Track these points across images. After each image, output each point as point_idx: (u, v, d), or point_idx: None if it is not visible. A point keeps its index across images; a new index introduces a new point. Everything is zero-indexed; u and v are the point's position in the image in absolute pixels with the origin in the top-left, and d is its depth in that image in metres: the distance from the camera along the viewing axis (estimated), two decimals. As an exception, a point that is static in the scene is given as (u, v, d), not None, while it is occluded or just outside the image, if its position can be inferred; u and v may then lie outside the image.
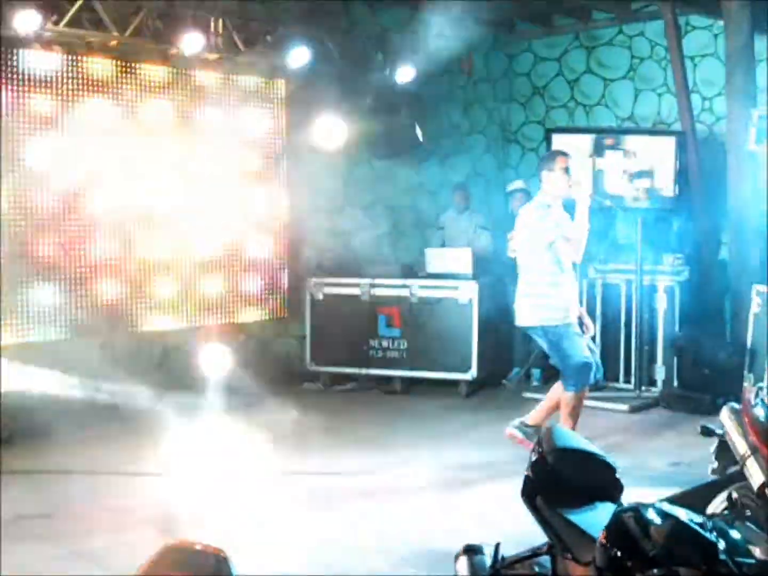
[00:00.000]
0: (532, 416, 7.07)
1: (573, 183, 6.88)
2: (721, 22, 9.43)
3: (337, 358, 9.56)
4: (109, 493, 6.21)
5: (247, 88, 9.28)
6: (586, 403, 8.96)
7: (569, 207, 6.98)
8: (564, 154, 7.07)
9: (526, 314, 7.05)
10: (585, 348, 6.97)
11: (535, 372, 9.83)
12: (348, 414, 8.53)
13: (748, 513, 3.79)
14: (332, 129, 9.25)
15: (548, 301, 6.88)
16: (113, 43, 8.17)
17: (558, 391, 7.09)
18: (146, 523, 5.55)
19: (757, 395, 4.63)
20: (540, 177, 7.02)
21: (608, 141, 9.45)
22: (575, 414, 6.98)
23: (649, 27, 10.95)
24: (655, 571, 2.77)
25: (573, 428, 6.89)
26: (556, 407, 7.06)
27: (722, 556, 2.79)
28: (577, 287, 7.05)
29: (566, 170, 6.86)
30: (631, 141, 9.45)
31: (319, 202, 9.88)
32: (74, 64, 8.02)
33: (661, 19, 9.82)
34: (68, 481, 6.41)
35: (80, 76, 8.07)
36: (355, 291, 9.52)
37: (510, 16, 11.56)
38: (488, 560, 3.65)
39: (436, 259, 9.57)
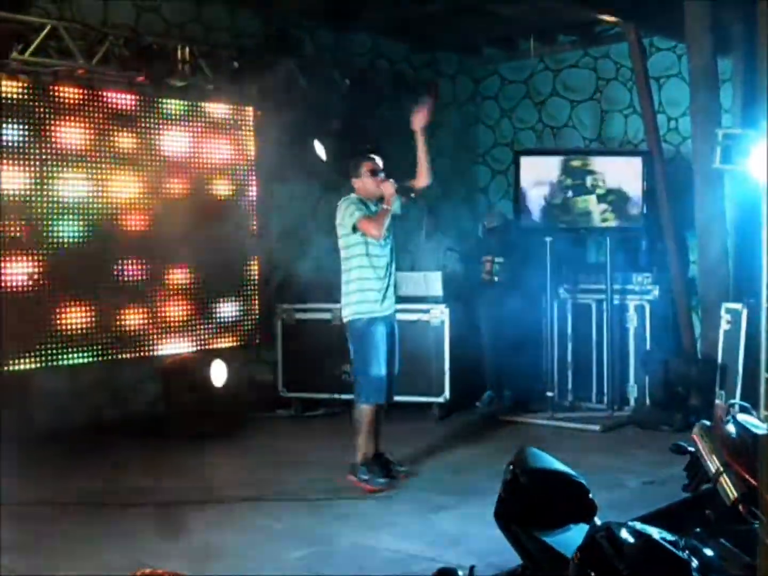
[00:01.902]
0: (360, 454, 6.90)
1: (379, 182, 6.88)
2: (684, 44, 9.52)
3: (309, 383, 9.52)
4: (76, 523, 6.13)
5: (214, 114, 9.28)
6: (560, 423, 9.04)
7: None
8: (368, 158, 7.05)
9: (342, 311, 7.01)
10: (383, 360, 6.82)
11: (508, 394, 9.84)
12: (320, 439, 8.49)
13: (721, 530, 3.79)
14: (300, 154, 9.26)
15: (356, 296, 6.88)
16: (80, 71, 8.16)
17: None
18: (114, 553, 5.50)
19: (728, 412, 4.65)
20: (352, 185, 7.06)
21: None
22: (371, 431, 6.85)
23: (613, 49, 11.05)
24: (629, 590, 2.77)
25: (375, 447, 6.86)
26: (372, 430, 6.92)
27: (695, 575, 2.79)
28: (391, 285, 7.04)
29: (372, 173, 6.92)
30: (598, 162, 9.53)
31: (289, 228, 9.88)
32: (41, 92, 8.00)
33: (625, 41, 9.89)
34: (33, 512, 6.32)
35: (47, 104, 8.06)
36: (326, 316, 9.48)
37: (476, 40, 11.64)
38: (463, 583, 3.63)
39: (407, 282, 9.54)
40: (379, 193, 6.92)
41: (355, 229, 6.82)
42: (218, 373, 8.62)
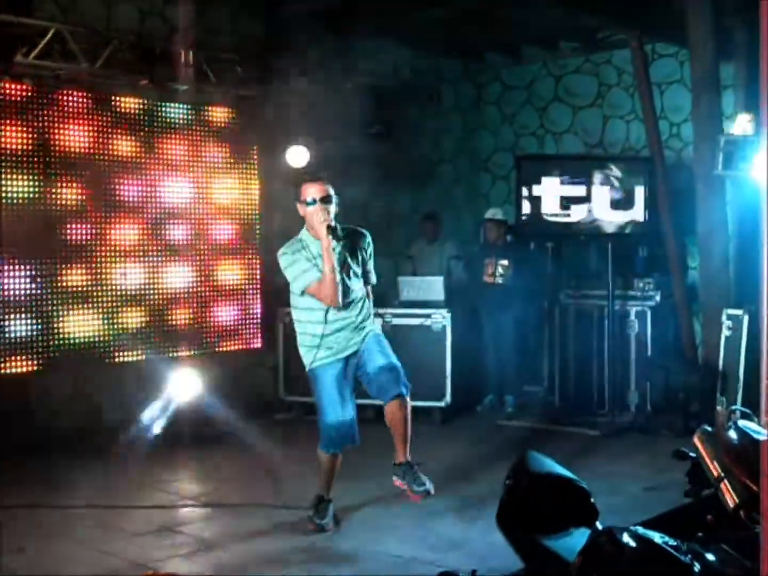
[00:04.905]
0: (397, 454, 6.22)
1: (318, 211, 5.80)
2: (686, 50, 9.54)
3: (311, 387, 9.49)
4: (82, 525, 6.14)
5: (217, 118, 9.28)
6: (561, 428, 9.03)
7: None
8: (308, 181, 5.91)
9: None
10: (338, 403, 6.03)
11: (509, 399, 9.85)
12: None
13: (723, 536, 3.80)
14: (303, 157, 9.27)
15: (304, 339, 6.16)
16: (83, 74, 8.17)
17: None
18: (118, 556, 5.51)
19: (729, 418, 4.65)
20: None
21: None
22: (327, 475, 6.22)
23: (616, 55, 11.08)
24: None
25: (325, 486, 6.23)
26: (403, 431, 6.16)
27: (697, 579, 2.80)
28: (349, 325, 6.04)
29: (308, 201, 5.87)
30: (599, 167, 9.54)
31: (292, 231, 9.86)
32: (44, 95, 8.00)
33: (627, 47, 9.92)
34: (39, 514, 6.33)
35: (51, 107, 8.06)
36: (328, 320, 9.47)
37: (478, 46, 11.66)
38: (464, 587, 3.64)
39: (409, 287, 9.58)
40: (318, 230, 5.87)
41: (303, 293, 5.94)
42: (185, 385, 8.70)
